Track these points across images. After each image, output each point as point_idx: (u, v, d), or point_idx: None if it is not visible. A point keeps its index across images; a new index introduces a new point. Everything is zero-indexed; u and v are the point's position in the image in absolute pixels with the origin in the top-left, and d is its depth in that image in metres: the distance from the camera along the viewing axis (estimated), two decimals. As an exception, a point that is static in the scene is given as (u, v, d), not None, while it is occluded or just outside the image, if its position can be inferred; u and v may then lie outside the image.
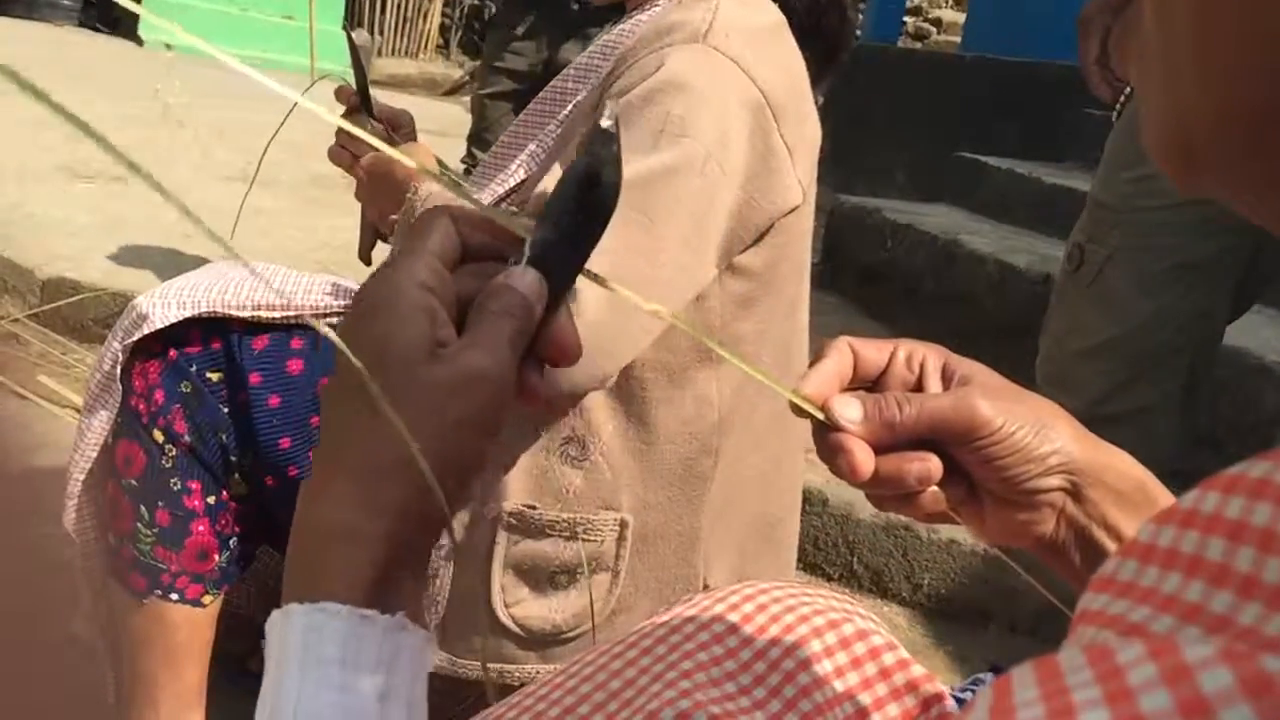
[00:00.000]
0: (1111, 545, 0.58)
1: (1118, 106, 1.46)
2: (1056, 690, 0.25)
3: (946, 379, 0.60)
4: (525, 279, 0.51)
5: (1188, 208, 1.38)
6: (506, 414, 0.49)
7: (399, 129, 1.36)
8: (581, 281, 0.99)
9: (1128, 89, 1.43)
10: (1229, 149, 0.32)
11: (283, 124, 1.33)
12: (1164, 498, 0.59)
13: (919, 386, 0.60)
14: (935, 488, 0.59)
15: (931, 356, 0.61)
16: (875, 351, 0.61)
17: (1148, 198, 1.42)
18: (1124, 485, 0.58)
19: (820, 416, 0.58)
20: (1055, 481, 0.58)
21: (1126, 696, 0.23)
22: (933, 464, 0.58)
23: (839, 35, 1.26)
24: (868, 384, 0.61)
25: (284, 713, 0.45)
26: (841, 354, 0.60)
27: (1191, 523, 0.29)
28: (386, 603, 0.47)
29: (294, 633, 0.46)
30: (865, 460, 0.57)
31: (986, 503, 0.60)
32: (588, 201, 0.50)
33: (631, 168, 1.02)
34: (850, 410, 0.57)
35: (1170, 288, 1.41)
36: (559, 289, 0.52)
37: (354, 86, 1.33)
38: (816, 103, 1.23)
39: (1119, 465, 0.59)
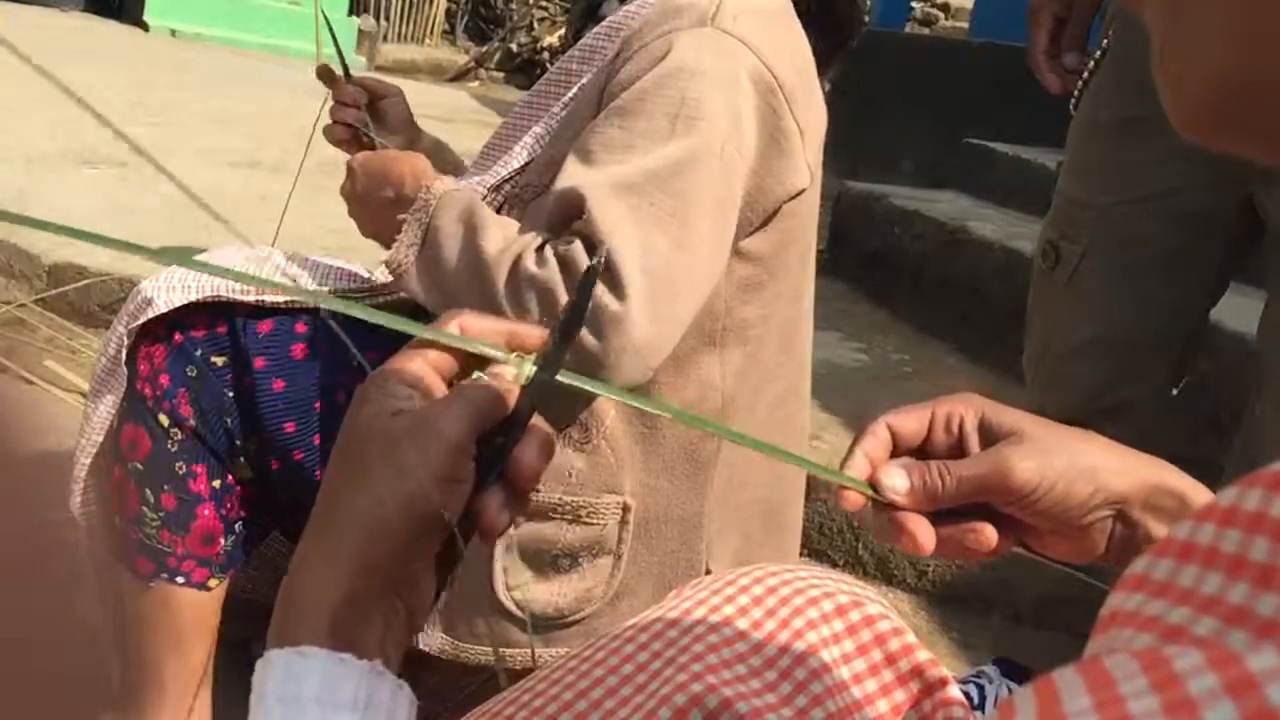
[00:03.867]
0: None
1: (1074, 98, 1.45)
2: (1110, 699, 0.24)
3: (985, 434, 0.63)
4: (497, 376, 0.55)
5: (1159, 199, 1.37)
6: (465, 471, 0.51)
7: (382, 98, 1.36)
8: (626, 271, 1.00)
9: (1081, 80, 1.42)
10: None
11: (318, 121, 1.34)
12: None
13: (960, 445, 0.63)
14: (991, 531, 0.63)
15: (969, 414, 0.63)
16: (914, 422, 0.64)
17: (1118, 190, 1.40)
18: (1167, 503, 0.60)
19: (870, 493, 0.62)
20: (1101, 513, 0.61)
21: (1188, 708, 0.22)
22: (986, 535, 0.62)
23: (848, 20, 1.25)
24: (913, 451, 0.65)
25: None
26: (876, 437, 0.63)
27: (1233, 520, 0.28)
28: (353, 646, 0.49)
29: (274, 676, 0.48)
30: (928, 538, 0.61)
31: (1044, 535, 0.63)
32: (566, 338, 0.53)
33: (654, 156, 1.02)
34: (897, 481, 0.62)
35: (1149, 280, 1.39)
36: (532, 406, 0.54)
37: (342, 68, 1.34)
38: (824, 89, 1.22)
39: (1165, 483, 0.61)
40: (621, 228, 0.99)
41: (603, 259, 0.99)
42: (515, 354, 0.55)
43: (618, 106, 1.06)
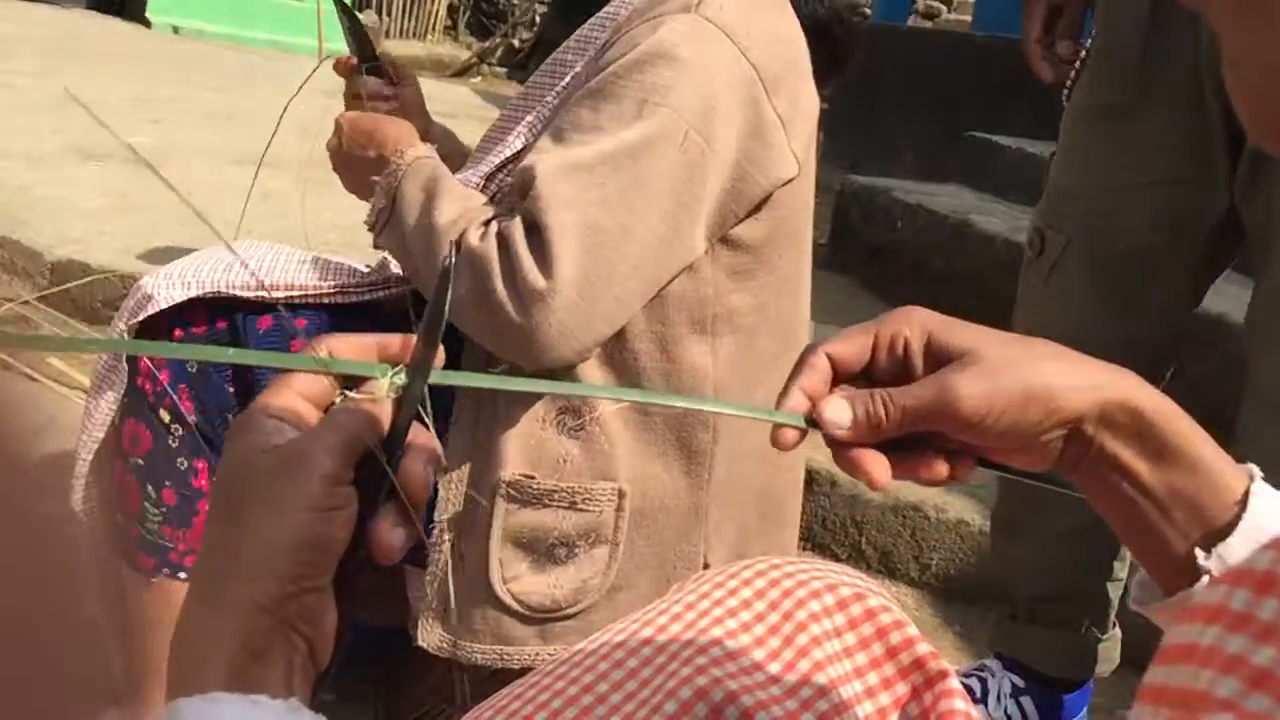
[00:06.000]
0: (1110, 473, 0.58)
1: (1067, 88, 1.44)
2: None
3: (933, 354, 0.59)
4: (369, 393, 0.52)
5: (1144, 190, 1.35)
6: (343, 499, 0.49)
7: (402, 81, 1.38)
8: (558, 249, 1.02)
9: (1074, 69, 1.41)
10: None
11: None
12: (1166, 421, 0.57)
13: (906, 369, 0.59)
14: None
15: (914, 334, 0.59)
16: (856, 348, 0.60)
17: (1103, 179, 1.39)
18: (1121, 418, 0.58)
19: (807, 429, 0.58)
20: (1055, 433, 0.58)
21: None
22: (935, 469, 0.59)
23: (844, 45, 1.25)
24: (857, 378, 0.60)
25: None
26: (815, 369, 0.59)
27: None
28: (256, 688, 0.47)
29: None
30: (882, 473, 0.58)
31: (998, 451, 0.60)
32: (430, 340, 0.52)
33: (612, 139, 1.03)
34: (839, 414, 0.58)
35: (1129, 274, 1.38)
36: (409, 418, 0.52)
37: (354, 57, 1.36)
38: (822, 96, 1.22)
39: (1123, 399, 0.58)
40: (563, 207, 1.01)
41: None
42: (387, 367, 0.53)
43: (592, 87, 1.08)
